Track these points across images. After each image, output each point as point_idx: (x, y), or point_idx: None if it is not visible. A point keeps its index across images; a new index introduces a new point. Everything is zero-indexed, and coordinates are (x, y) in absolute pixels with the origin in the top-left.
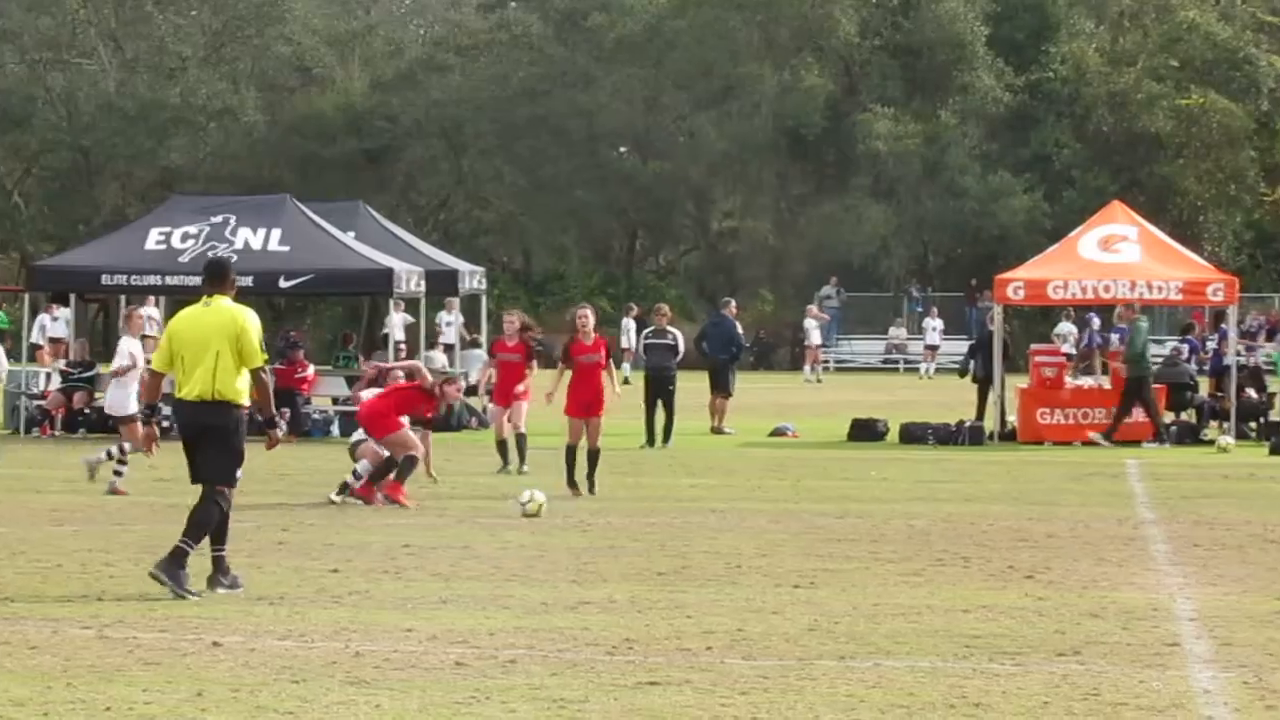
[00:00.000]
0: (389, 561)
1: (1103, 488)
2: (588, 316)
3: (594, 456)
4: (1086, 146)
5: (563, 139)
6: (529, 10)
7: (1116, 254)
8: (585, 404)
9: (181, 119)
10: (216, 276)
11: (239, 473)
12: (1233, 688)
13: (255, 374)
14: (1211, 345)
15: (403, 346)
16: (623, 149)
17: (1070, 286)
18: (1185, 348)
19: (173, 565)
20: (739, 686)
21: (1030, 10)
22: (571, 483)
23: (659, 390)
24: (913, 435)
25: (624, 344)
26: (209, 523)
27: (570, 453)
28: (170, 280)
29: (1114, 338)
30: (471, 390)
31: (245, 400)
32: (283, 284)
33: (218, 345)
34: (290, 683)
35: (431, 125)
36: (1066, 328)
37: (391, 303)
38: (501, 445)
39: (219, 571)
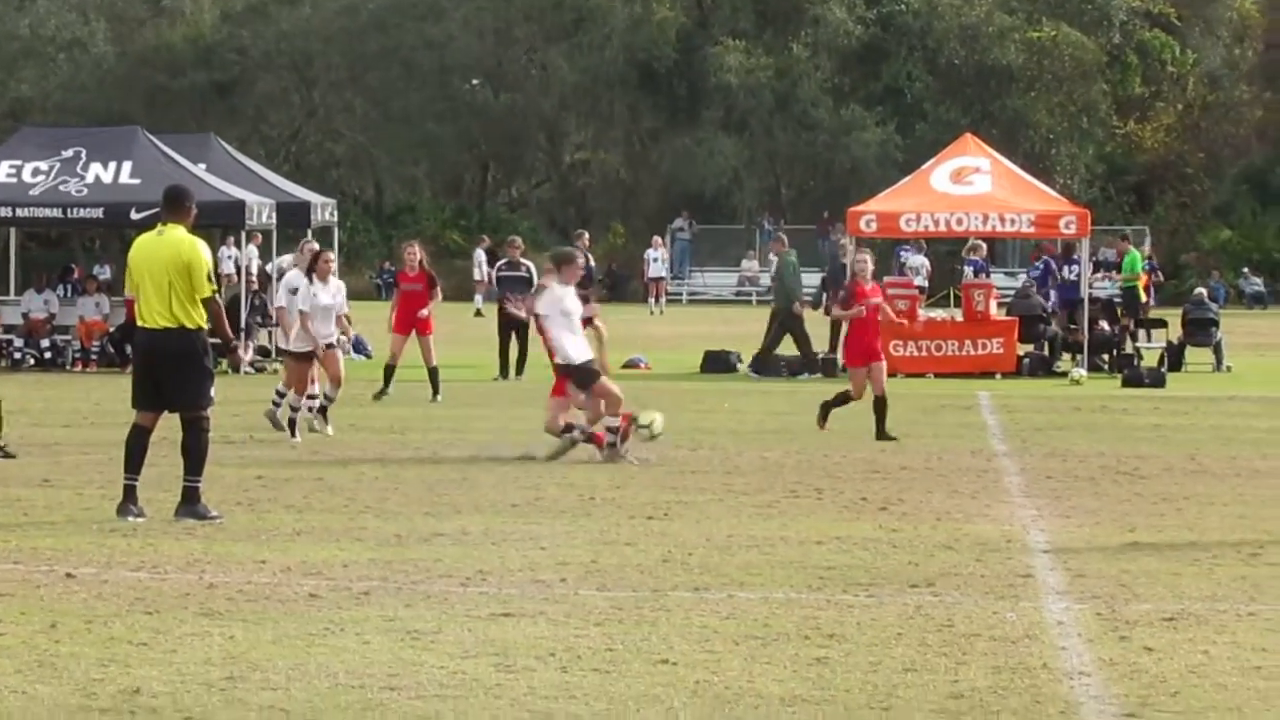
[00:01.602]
0: (242, 493)
1: (955, 420)
2: (414, 252)
3: (432, 374)
4: (938, 80)
5: (414, 71)
6: None
7: (969, 186)
8: (407, 324)
9: (31, 50)
10: (170, 205)
11: (213, 392)
12: (1086, 619)
13: (205, 304)
14: (1071, 277)
15: (253, 280)
16: (474, 81)
17: (922, 219)
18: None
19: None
20: (593, 618)
21: None
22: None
23: (512, 322)
24: (765, 367)
25: (477, 276)
26: (203, 450)
27: (390, 370)
28: (20, 213)
29: (968, 270)
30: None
31: (205, 324)
32: (134, 216)
33: (170, 274)
34: (143, 614)
35: (282, 57)
36: (918, 260)
37: (244, 234)
38: (389, 370)
39: (189, 501)
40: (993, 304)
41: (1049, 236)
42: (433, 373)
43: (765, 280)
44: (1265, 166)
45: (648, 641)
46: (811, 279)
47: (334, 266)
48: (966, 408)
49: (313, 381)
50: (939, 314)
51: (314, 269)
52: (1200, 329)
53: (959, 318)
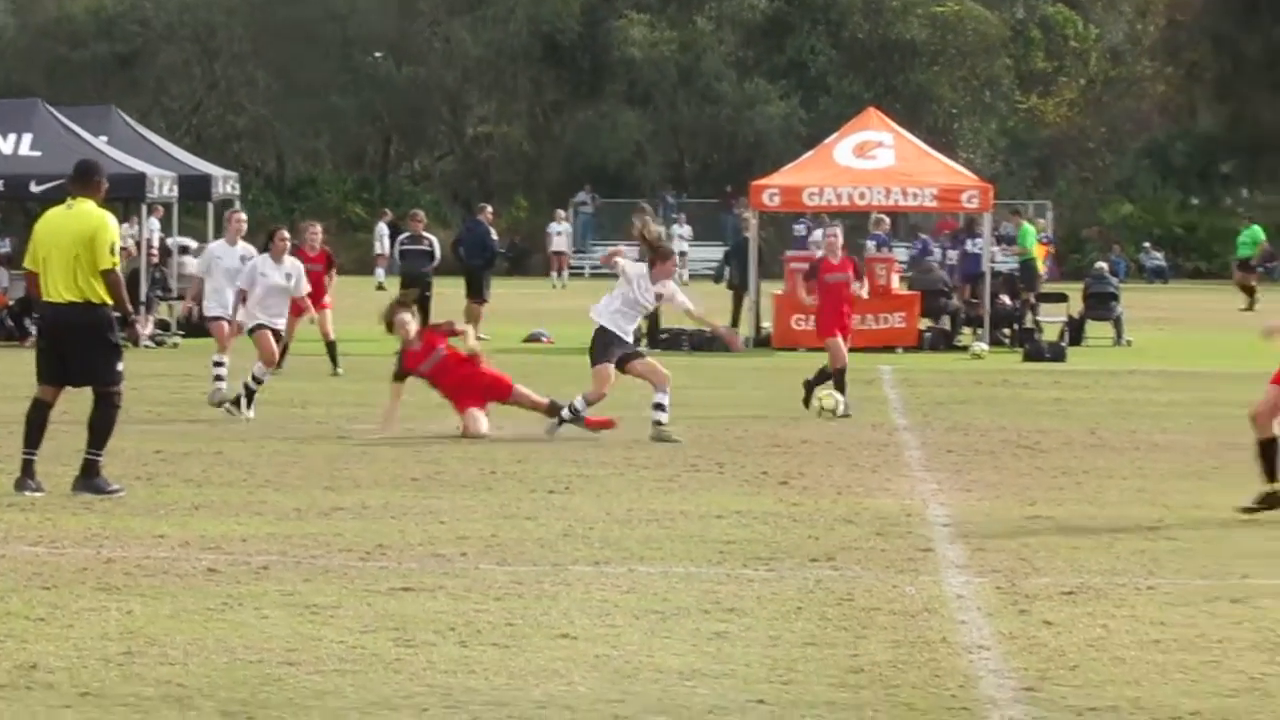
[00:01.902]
0: (140, 467)
1: (857, 394)
2: (316, 232)
3: (330, 347)
4: (842, 54)
5: (316, 44)
6: None
7: (872, 160)
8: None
9: None
10: (80, 179)
11: (120, 367)
12: (985, 593)
13: (104, 275)
14: (974, 250)
15: (154, 253)
16: (377, 54)
17: (825, 193)
18: (937, 251)
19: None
20: (493, 592)
21: None
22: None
23: (421, 293)
24: (667, 341)
25: (378, 250)
26: (109, 426)
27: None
28: None
29: (870, 244)
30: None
31: (110, 299)
32: (34, 189)
33: (76, 248)
34: (41, 589)
35: (184, 29)
36: (820, 234)
37: (145, 208)
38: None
39: (88, 475)
40: (895, 278)
41: (951, 211)
42: (330, 346)
43: None
44: (1167, 141)
45: (547, 616)
46: (714, 253)
47: (288, 246)
48: (868, 382)
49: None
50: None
51: (270, 246)
52: (1100, 303)
53: (863, 292)
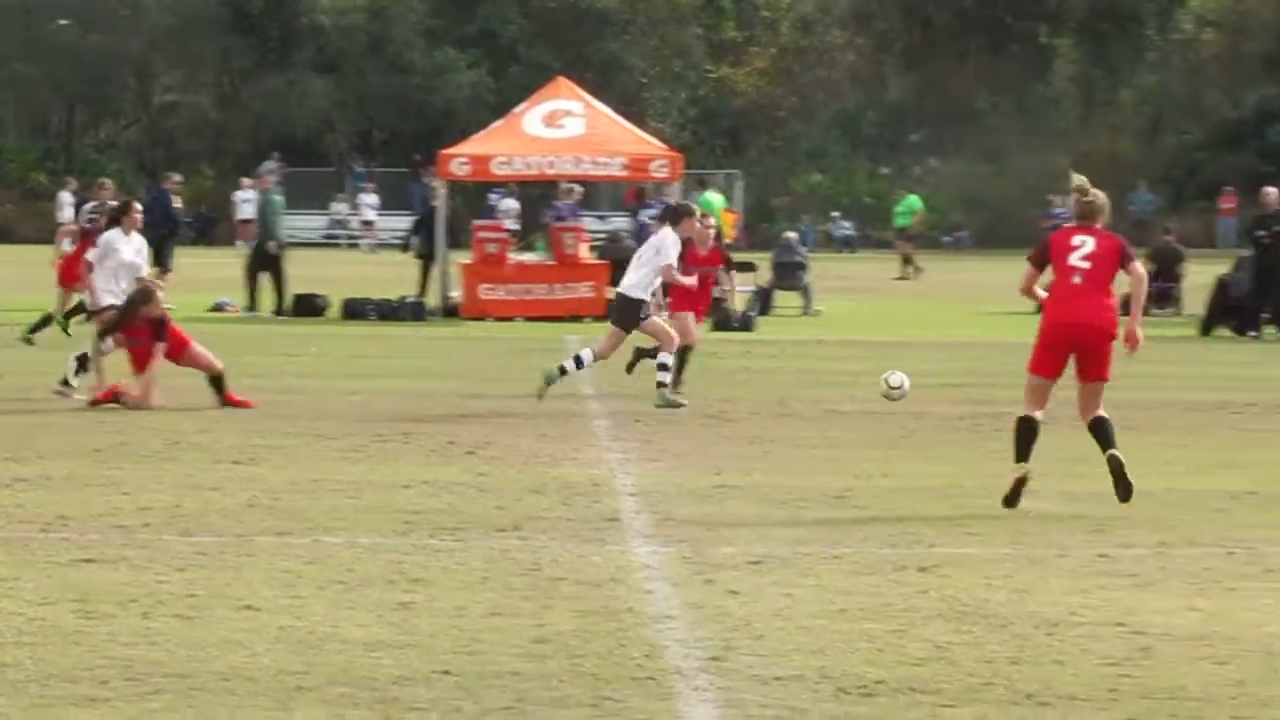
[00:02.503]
0: None
1: (542, 363)
2: None
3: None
4: (533, 22)
5: None
6: None
7: (560, 130)
8: None
9: None
10: None
11: None
12: (672, 562)
13: None
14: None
15: None
16: (62, 21)
17: (515, 162)
18: (634, 223)
19: None
20: (175, 563)
21: None
22: None
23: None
24: (354, 311)
25: (60, 219)
26: None
27: None
28: None
29: (552, 213)
30: None
31: None
32: None
33: None
34: None
35: None
36: (510, 204)
37: None
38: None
39: None
40: (583, 248)
41: (641, 180)
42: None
43: (356, 223)
44: (856, 111)
45: (231, 587)
46: (402, 222)
47: (139, 220)
48: (554, 351)
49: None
50: (529, 257)
51: (122, 218)
52: (789, 273)
53: (550, 261)
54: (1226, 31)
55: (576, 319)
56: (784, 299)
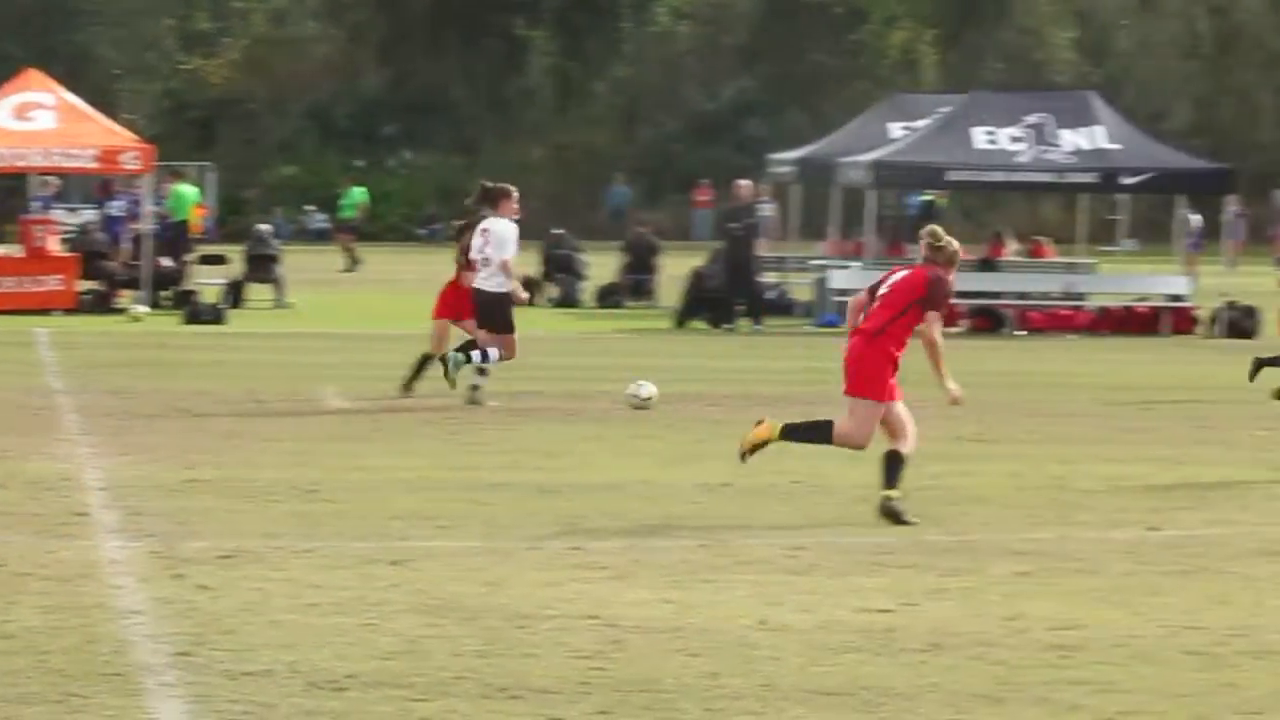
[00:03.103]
0: None
1: (11, 356)
2: None
3: None
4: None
5: None
6: None
7: (31, 122)
8: None
9: None
10: None
11: None
12: (141, 557)
13: None
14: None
15: None
16: None
17: None
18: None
19: None
20: None
21: None
22: None
23: None
24: None
25: None
26: None
27: None
28: None
29: (36, 205)
30: None
31: None
32: None
33: None
34: None
35: None
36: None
37: None
38: None
39: None
40: (54, 240)
41: (113, 172)
42: None
43: None
44: (330, 103)
45: None
46: None
47: None
48: (24, 344)
49: None
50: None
51: None
52: (261, 265)
53: (19, 253)
54: (703, 24)
55: (45, 312)
56: (257, 292)
